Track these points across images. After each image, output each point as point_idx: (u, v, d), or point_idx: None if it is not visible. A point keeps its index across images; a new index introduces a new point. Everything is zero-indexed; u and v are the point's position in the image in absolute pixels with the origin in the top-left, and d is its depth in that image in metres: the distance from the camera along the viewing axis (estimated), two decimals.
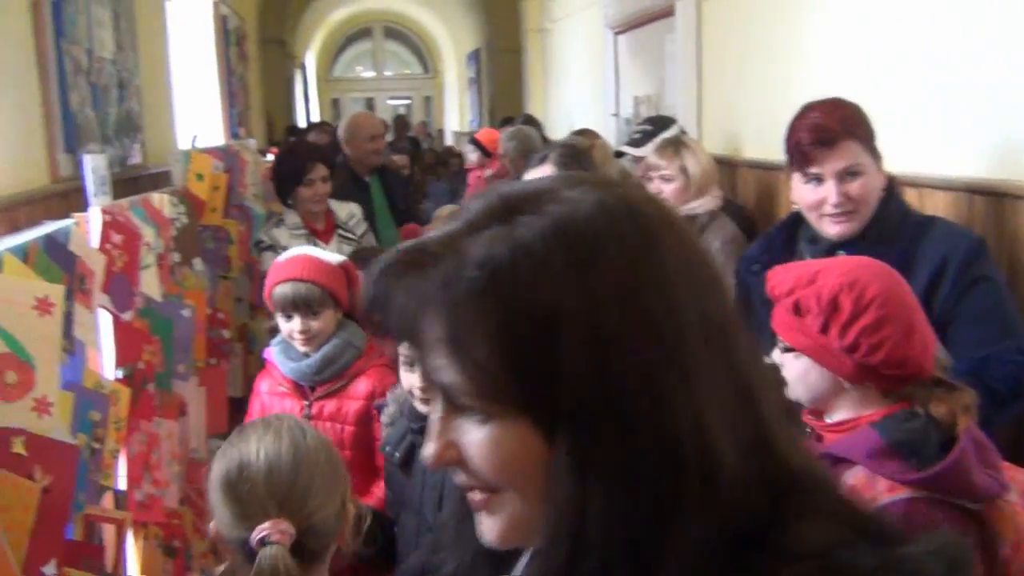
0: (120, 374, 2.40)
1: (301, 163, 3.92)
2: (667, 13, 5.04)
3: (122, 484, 2.36)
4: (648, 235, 0.74)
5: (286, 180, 3.97)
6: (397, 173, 5.52)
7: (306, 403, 2.73)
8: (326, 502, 1.56)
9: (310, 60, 19.08)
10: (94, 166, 2.42)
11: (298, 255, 2.80)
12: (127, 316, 2.46)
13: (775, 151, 3.66)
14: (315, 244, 3.78)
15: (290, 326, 2.71)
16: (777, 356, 1.76)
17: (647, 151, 3.61)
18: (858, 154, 2.17)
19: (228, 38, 7.21)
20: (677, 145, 3.39)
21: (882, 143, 2.49)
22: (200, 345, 3.30)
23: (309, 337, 2.69)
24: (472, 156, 7.05)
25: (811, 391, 1.72)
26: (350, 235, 4.08)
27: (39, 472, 1.64)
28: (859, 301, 1.60)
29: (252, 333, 4.43)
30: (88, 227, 2.35)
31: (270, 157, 6.11)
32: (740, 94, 4.23)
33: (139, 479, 2.50)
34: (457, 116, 19.51)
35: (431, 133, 18.37)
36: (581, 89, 7.70)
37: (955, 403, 1.56)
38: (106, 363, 2.32)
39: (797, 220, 2.39)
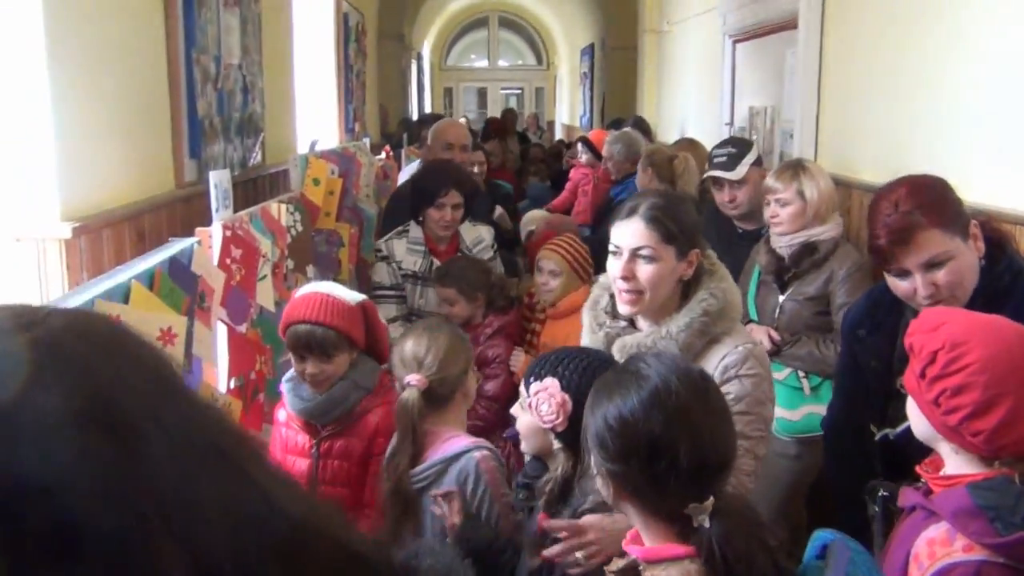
0: (233, 384, 2.48)
1: (437, 185, 3.82)
2: (790, 26, 4.93)
3: None
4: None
5: (419, 197, 3.89)
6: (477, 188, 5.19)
7: (315, 440, 2.68)
8: (451, 365, 2.48)
9: (425, 50, 19.29)
10: (217, 181, 2.50)
11: (315, 294, 2.68)
12: (242, 328, 2.54)
13: (891, 175, 3.58)
14: (431, 262, 3.83)
15: (302, 367, 2.63)
16: None
17: (740, 173, 3.61)
18: (940, 242, 2.10)
19: (348, 35, 7.34)
20: (796, 168, 3.33)
21: (1010, 177, 2.41)
22: None
23: (320, 380, 2.63)
24: (583, 157, 7.06)
25: (916, 431, 1.80)
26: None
27: None
28: (953, 362, 1.65)
29: None
30: (211, 242, 2.43)
31: (383, 156, 6.22)
32: (860, 115, 4.12)
33: None
34: (568, 109, 19.49)
35: (542, 126, 18.30)
36: (695, 95, 7.61)
37: None
38: (221, 375, 2.39)
39: None
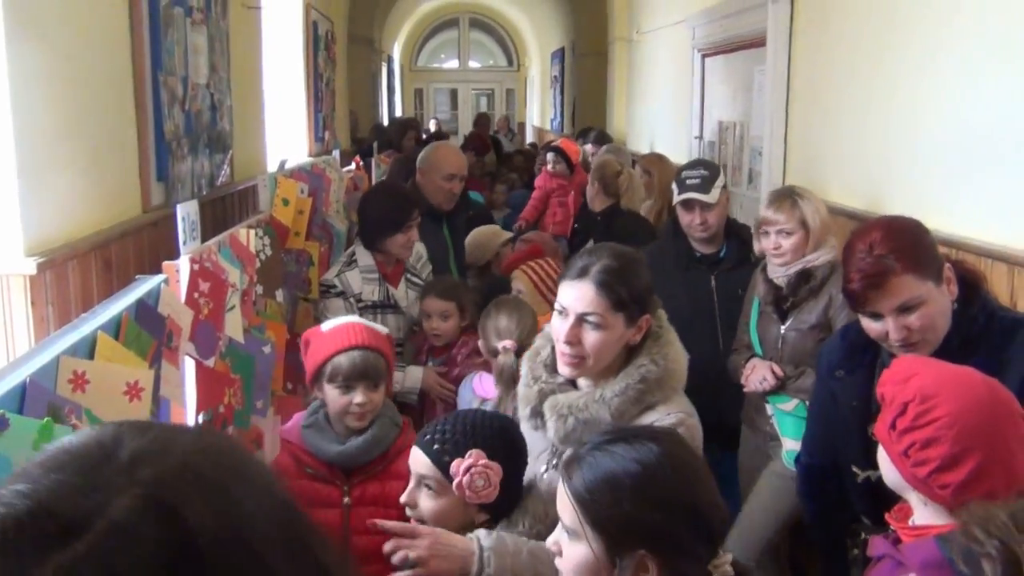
0: (201, 419, 2.46)
1: (403, 211, 3.77)
2: (758, 43, 4.97)
3: None
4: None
5: (384, 226, 3.79)
6: (464, 212, 5.04)
7: (344, 488, 2.59)
8: (530, 335, 2.69)
9: (395, 52, 19.22)
10: (184, 213, 2.47)
11: (352, 323, 2.68)
12: (210, 361, 2.52)
13: (860, 199, 3.63)
14: (386, 288, 3.80)
15: (348, 399, 2.57)
16: None
17: (714, 196, 3.58)
18: (912, 287, 2.11)
19: (317, 43, 7.30)
20: (792, 197, 3.26)
21: (983, 207, 2.42)
22: (279, 374, 3.36)
23: (367, 412, 2.57)
24: (556, 166, 7.04)
25: (887, 479, 1.83)
26: (417, 278, 3.98)
27: None
28: (923, 415, 1.68)
29: None
30: (178, 276, 2.40)
31: (352, 167, 6.19)
32: (828, 134, 4.16)
33: None
34: (539, 111, 19.51)
35: (513, 128, 18.28)
36: (664, 106, 7.64)
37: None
38: (188, 412, 2.37)
39: None
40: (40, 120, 2.46)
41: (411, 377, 3.69)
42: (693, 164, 3.93)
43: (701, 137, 6.37)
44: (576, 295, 2.07)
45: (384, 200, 3.95)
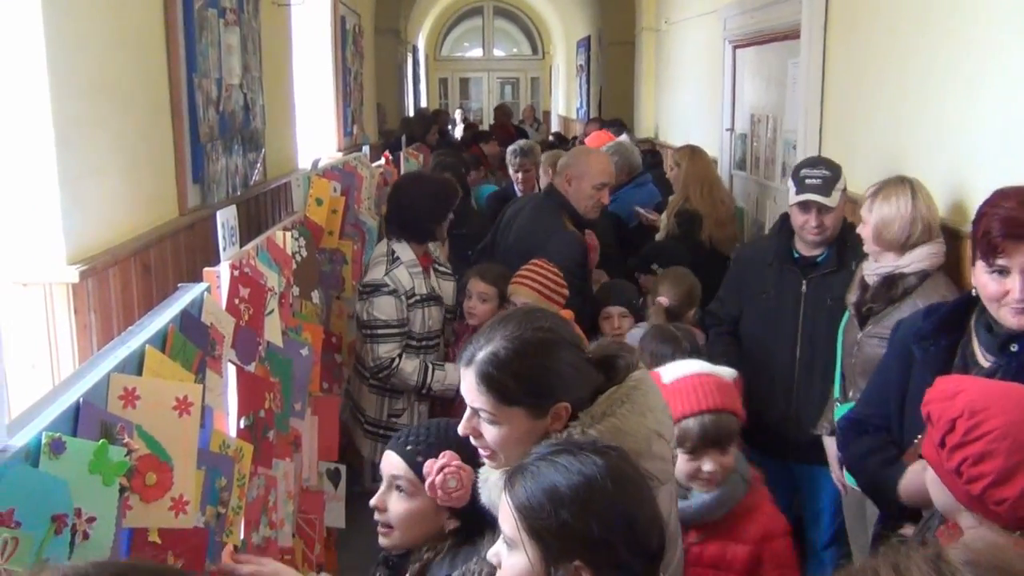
0: (243, 424, 2.47)
1: (446, 207, 3.84)
2: (792, 35, 4.91)
3: (241, 533, 2.42)
4: None
5: (427, 221, 3.85)
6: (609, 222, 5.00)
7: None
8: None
9: (420, 41, 19.21)
10: (224, 219, 2.48)
11: (700, 377, 2.36)
12: (251, 367, 2.53)
13: None
14: (426, 281, 3.82)
15: (696, 465, 2.32)
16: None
17: (835, 200, 3.36)
18: None
19: (346, 37, 7.30)
20: (880, 186, 3.10)
21: None
22: (315, 375, 3.38)
23: (716, 479, 2.33)
24: None
25: (937, 500, 1.80)
26: (443, 267, 4.03)
27: (171, 557, 1.70)
28: (973, 430, 1.66)
29: None
30: (219, 283, 2.41)
31: (382, 162, 6.19)
32: (863, 129, 4.10)
33: (257, 523, 2.57)
34: (564, 100, 19.43)
35: (538, 118, 18.17)
36: (695, 97, 7.59)
37: None
38: (231, 419, 2.38)
39: (972, 300, 2.29)
40: (80, 128, 2.47)
41: (452, 376, 3.70)
42: (814, 162, 3.59)
43: (732, 129, 6.32)
44: (464, 384, 1.83)
45: (428, 187, 3.98)
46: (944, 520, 1.86)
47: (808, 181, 3.38)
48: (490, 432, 1.79)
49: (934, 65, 3.39)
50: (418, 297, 3.77)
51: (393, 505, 2.01)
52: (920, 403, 2.31)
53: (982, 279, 2.18)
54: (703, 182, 5.30)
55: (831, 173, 3.40)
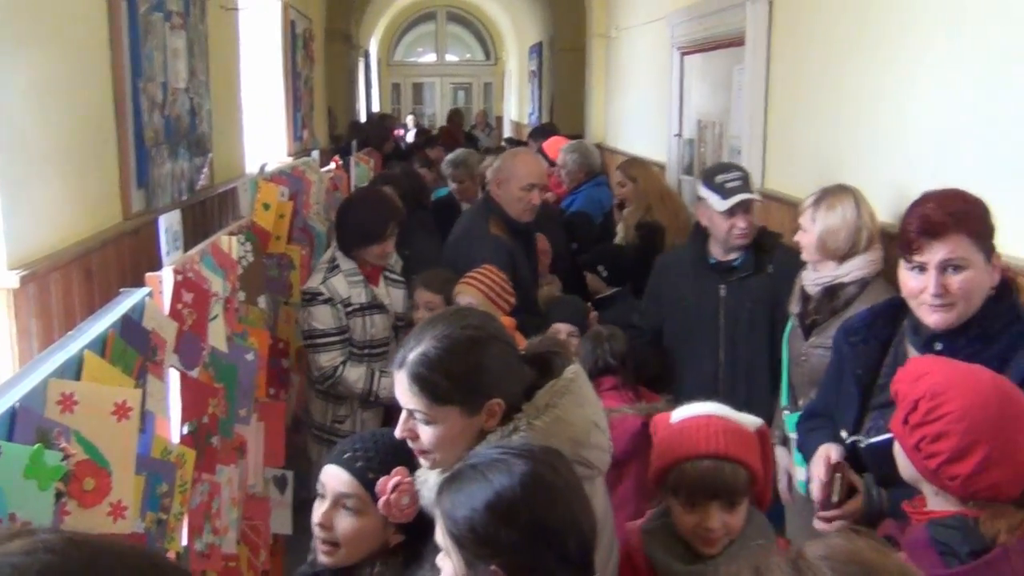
0: (186, 430, 2.46)
1: (382, 223, 3.76)
2: (737, 42, 4.99)
3: (184, 540, 2.41)
4: None
5: (360, 236, 3.79)
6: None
7: None
8: None
9: (372, 46, 19.15)
10: (167, 225, 2.47)
11: (709, 419, 2.16)
12: (194, 372, 2.52)
13: None
14: (369, 291, 3.77)
15: (694, 519, 2.08)
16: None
17: (758, 198, 3.45)
18: (964, 248, 2.15)
19: (296, 42, 7.27)
20: (820, 195, 3.10)
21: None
22: (261, 381, 3.36)
23: (719, 538, 2.08)
24: None
25: (902, 472, 1.94)
26: (394, 275, 3.99)
27: None
28: (933, 410, 1.79)
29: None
30: (161, 288, 2.40)
31: (332, 166, 6.17)
32: (806, 135, 4.18)
33: (200, 529, 2.56)
34: (516, 106, 19.48)
35: (491, 123, 18.18)
36: (644, 103, 7.65)
37: (1012, 520, 1.73)
38: (173, 425, 2.37)
39: (904, 303, 2.35)
40: (20, 131, 2.45)
41: None
42: (726, 167, 3.59)
43: (680, 135, 6.39)
44: (397, 387, 1.85)
45: (362, 209, 3.89)
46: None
47: (729, 185, 3.40)
48: (426, 433, 1.81)
49: (876, 68, 3.47)
50: (356, 306, 3.73)
51: (340, 523, 1.94)
52: (844, 396, 2.43)
53: (903, 276, 2.27)
54: (662, 194, 5.37)
55: (744, 173, 3.48)
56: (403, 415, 1.85)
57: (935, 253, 2.16)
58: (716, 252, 3.52)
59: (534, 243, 4.39)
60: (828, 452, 2.32)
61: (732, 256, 3.49)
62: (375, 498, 1.89)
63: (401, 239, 4.11)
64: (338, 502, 1.93)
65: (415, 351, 1.81)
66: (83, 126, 2.90)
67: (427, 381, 1.79)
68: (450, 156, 6.55)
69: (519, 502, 1.50)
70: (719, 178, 3.43)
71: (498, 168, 4.23)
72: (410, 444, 1.86)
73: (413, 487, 1.88)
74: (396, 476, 1.89)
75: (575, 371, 1.91)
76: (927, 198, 2.25)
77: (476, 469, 1.56)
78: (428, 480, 1.85)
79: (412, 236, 4.68)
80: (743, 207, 3.38)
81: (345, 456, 1.96)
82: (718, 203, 3.40)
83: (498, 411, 1.82)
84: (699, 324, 3.51)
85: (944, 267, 2.16)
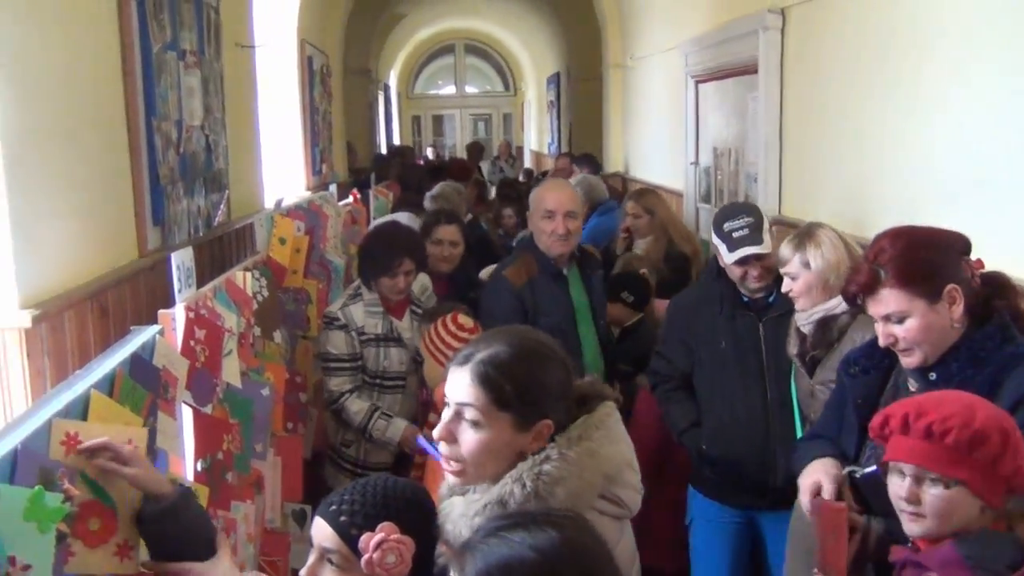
0: (200, 467, 2.45)
1: (391, 257, 3.77)
2: (750, 70, 4.99)
3: None
4: None
5: (372, 267, 3.85)
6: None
7: None
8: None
9: (391, 80, 19.31)
10: (179, 262, 2.48)
11: None
12: (207, 408, 2.51)
13: (854, 225, 3.62)
14: (388, 322, 3.80)
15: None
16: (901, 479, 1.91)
17: (768, 244, 3.26)
18: (898, 301, 2.16)
19: (313, 78, 7.33)
20: (802, 236, 3.07)
21: (978, 233, 2.39)
22: (278, 416, 3.36)
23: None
24: None
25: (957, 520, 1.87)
26: (420, 309, 3.96)
27: None
28: (922, 413, 1.84)
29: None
30: (173, 325, 2.41)
31: (350, 200, 6.20)
32: (821, 162, 4.17)
33: None
34: (536, 136, 19.57)
35: (514, 154, 18.12)
36: (660, 131, 7.66)
37: None
38: (187, 462, 2.37)
39: None
40: (33, 171, 2.46)
41: (393, 430, 3.71)
42: (734, 212, 3.42)
43: (697, 163, 6.39)
44: (455, 383, 1.79)
45: (375, 242, 3.98)
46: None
47: (736, 235, 3.29)
48: (470, 437, 1.75)
49: (890, 94, 3.46)
50: (370, 336, 3.77)
51: None
52: (846, 426, 2.42)
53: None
54: (676, 224, 5.36)
55: (754, 219, 3.30)
56: (447, 415, 1.78)
57: (875, 308, 2.21)
58: (746, 289, 3.37)
59: (590, 280, 3.92)
60: (817, 479, 2.31)
61: (762, 292, 3.36)
62: (359, 555, 1.76)
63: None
64: (323, 556, 1.82)
65: (485, 351, 1.78)
66: (96, 166, 2.92)
67: (493, 382, 1.74)
68: (432, 190, 6.50)
69: (568, 572, 1.36)
70: (727, 226, 3.32)
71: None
72: (443, 448, 1.79)
73: (402, 545, 1.75)
74: (380, 533, 1.75)
75: (611, 407, 1.89)
76: (869, 249, 2.26)
77: (503, 539, 1.39)
78: (452, 512, 1.78)
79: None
80: (753, 258, 3.27)
81: (331, 508, 1.83)
82: (725, 254, 3.32)
83: (546, 434, 1.78)
84: (741, 365, 3.33)
85: (887, 319, 2.19)
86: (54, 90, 2.63)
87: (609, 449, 1.81)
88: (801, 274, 2.99)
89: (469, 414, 1.75)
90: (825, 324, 2.98)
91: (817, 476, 2.32)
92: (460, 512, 1.76)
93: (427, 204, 6.30)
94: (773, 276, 3.29)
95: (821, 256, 2.98)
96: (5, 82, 2.31)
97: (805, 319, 3.02)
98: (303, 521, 3.65)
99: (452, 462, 1.78)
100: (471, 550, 1.39)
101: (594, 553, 1.40)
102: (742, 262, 3.27)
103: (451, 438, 1.77)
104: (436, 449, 1.86)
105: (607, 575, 1.41)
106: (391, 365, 3.78)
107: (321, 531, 1.81)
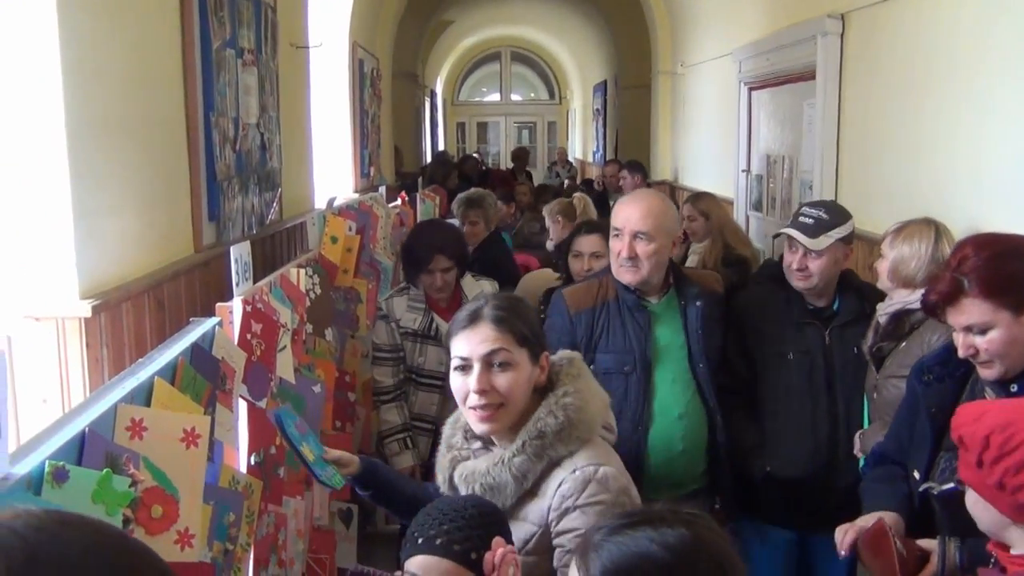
0: (253, 461, 2.45)
1: (426, 253, 3.83)
2: (807, 77, 4.92)
3: (250, 571, 2.39)
4: None
5: (410, 264, 3.94)
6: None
7: None
8: None
9: (438, 86, 19.38)
10: (237, 255, 2.48)
11: None
12: (262, 403, 2.51)
13: None
14: (432, 319, 3.84)
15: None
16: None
17: (820, 244, 3.09)
18: (982, 311, 2.08)
19: (363, 80, 7.37)
20: (901, 226, 3.06)
21: None
22: (328, 413, 3.36)
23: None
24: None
25: (981, 522, 1.83)
26: None
27: None
28: (1008, 442, 1.70)
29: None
30: (231, 318, 2.41)
31: (398, 202, 6.21)
32: (879, 169, 4.10)
33: (266, 561, 2.54)
34: (580, 144, 19.53)
35: (571, 160, 17.82)
36: (710, 139, 7.61)
37: None
38: (241, 455, 2.36)
39: None
40: (96, 164, 2.48)
41: (400, 462, 3.77)
42: (817, 203, 3.39)
43: (748, 171, 6.32)
44: (475, 339, 1.99)
45: (413, 240, 4.06)
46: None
47: (800, 219, 3.19)
48: (503, 379, 1.97)
49: (951, 103, 3.39)
50: (407, 330, 3.85)
51: None
52: (918, 436, 2.35)
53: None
54: (732, 227, 5.29)
55: (828, 218, 3.16)
56: (477, 369, 1.97)
57: (955, 318, 2.14)
58: (810, 297, 3.22)
59: (686, 314, 3.17)
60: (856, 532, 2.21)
61: (824, 302, 3.22)
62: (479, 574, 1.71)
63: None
64: None
65: (486, 307, 2.03)
66: (156, 160, 2.94)
67: (510, 323, 1.99)
68: (462, 194, 6.36)
69: (705, 573, 1.31)
70: (803, 209, 3.26)
71: None
72: (479, 401, 1.96)
73: (514, 555, 1.73)
74: (500, 548, 1.72)
75: (572, 354, 2.16)
76: (952, 257, 2.20)
77: (628, 535, 1.33)
78: (474, 472, 1.97)
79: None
80: (800, 247, 3.14)
81: (436, 543, 1.73)
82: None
83: (546, 366, 2.05)
84: (809, 377, 3.18)
85: (968, 330, 2.12)
86: (118, 84, 2.66)
87: (594, 385, 2.10)
88: (886, 255, 3.03)
89: (500, 357, 1.97)
90: (899, 317, 2.94)
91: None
92: (487, 466, 1.96)
93: (456, 208, 6.12)
94: (817, 284, 3.15)
95: (899, 247, 2.99)
96: (74, 75, 2.33)
97: (883, 310, 2.99)
98: (349, 520, 3.65)
99: (487, 408, 1.97)
100: (596, 549, 1.33)
101: (724, 551, 1.35)
102: (789, 243, 3.18)
103: (488, 387, 1.96)
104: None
105: (737, 573, 1.35)
106: (427, 363, 3.82)
107: (436, 568, 1.72)
